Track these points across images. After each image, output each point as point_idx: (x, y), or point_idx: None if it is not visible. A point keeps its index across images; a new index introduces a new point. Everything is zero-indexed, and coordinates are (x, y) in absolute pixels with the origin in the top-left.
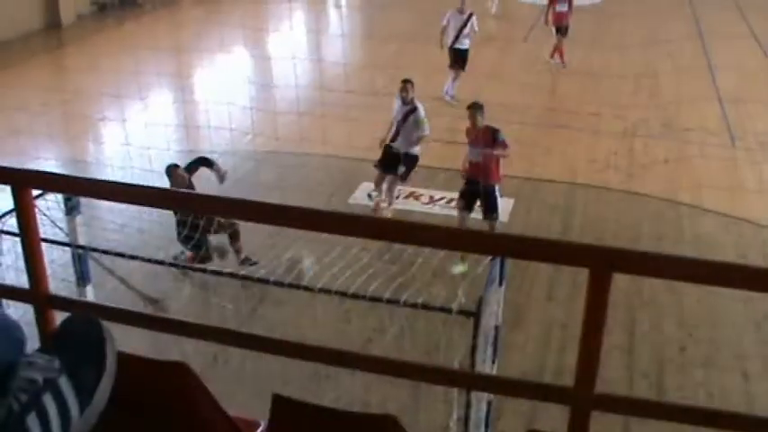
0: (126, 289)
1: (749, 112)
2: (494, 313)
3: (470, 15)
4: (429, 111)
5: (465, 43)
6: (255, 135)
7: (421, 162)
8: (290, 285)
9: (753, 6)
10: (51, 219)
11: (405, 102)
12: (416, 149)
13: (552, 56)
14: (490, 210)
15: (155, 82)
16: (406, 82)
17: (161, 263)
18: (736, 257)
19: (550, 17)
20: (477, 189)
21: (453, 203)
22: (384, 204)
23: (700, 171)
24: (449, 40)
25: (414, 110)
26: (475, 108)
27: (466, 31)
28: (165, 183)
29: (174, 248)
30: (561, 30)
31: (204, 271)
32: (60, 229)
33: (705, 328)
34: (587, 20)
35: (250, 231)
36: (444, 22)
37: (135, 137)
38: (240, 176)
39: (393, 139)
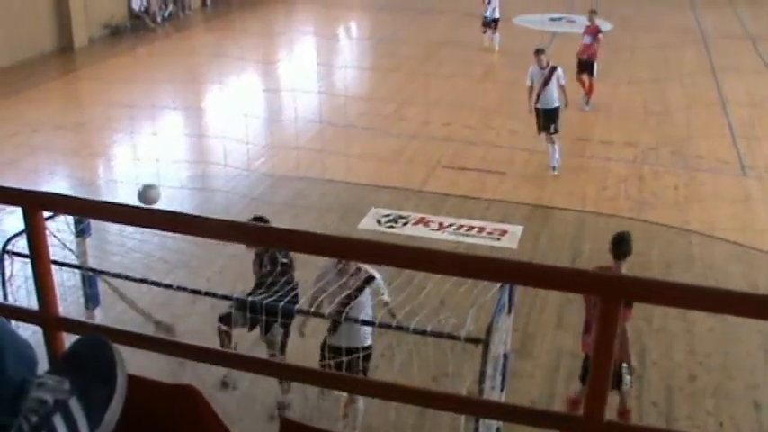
0: (135, 311)
1: (760, 141)
2: (502, 341)
3: (553, 69)
4: (427, 138)
5: (550, 102)
6: (267, 159)
7: (431, 188)
8: (299, 312)
9: (764, 36)
10: (61, 241)
11: (343, 273)
12: (369, 339)
13: (588, 99)
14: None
15: (167, 105)
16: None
17: (169, 286)
18: (747, 286)
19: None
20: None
21: (463, 230)
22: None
23: (710, 199)
24: (534, 99)
25: (370, 279)
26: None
27: (550, 87)
28: (172, 206)
29: (179, 273)
30: (583, 64)
31: (215, 296)
32: (71, 250)
33: (716, 356)
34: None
35: None
36: (529, 82)
37: (147, 159)
38: (248, 203)
39: (332, 332)
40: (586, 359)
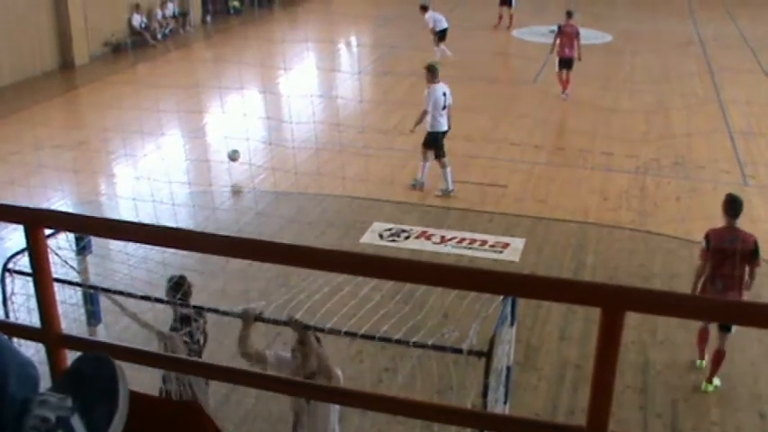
0: (137, 328)
1: (761, 147)
2: (505, 353)
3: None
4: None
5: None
6: (267, 174)
7: (432, 202)
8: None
9: (763, 45)
10: (63, 258)
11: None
12: None
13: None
14: (730, 327)
15: (169, 121)
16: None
17: (172, 303)
18: (750, 296)
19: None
20: None
21: (466, 243)
22: None
23: (712, 208)
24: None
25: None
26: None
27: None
28: (177, 222)
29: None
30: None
31: (216, 311)
32: (72, 267)
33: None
34: (598, 57)
35: (261, 270)
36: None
37: (149, 176)
38: (250, 218)
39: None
40: None
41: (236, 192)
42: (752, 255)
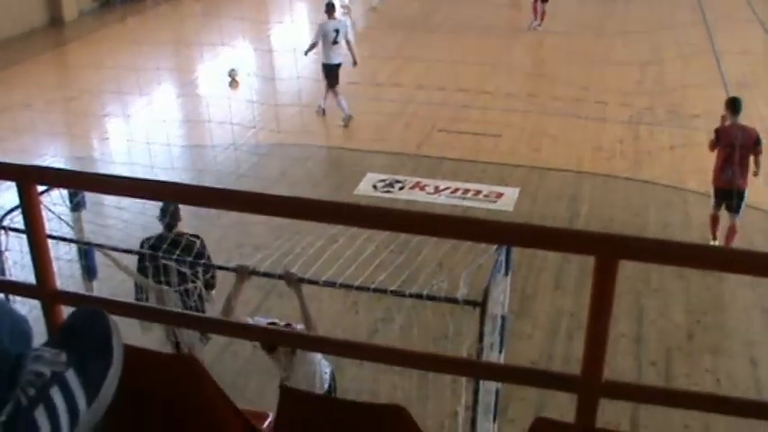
0: (133, 283)
1: (754, 97)
2: (500, 302)
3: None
4: (422, 102)
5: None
6: (259, 128)
7: (427, 152)
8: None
9: None
10: (57, 214)
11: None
12: (328, 379)
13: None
14: (737, 209)
15: (158, 77)
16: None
17: (168, 258)
18: (744, 243)
19: None
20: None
21: (460, 193)
22: None
23: (706, 157)
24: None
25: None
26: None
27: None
28: (168, 176)
29: None
30: None
31: (212, 266)
32: (67, 223)
33: (713, 314)
34: (592, 6)
35: (255, 223)
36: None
37: (139, 132)
38: (244, 170)
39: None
40: (720, 190)
41: (232, 76)
42: (755, 144)
